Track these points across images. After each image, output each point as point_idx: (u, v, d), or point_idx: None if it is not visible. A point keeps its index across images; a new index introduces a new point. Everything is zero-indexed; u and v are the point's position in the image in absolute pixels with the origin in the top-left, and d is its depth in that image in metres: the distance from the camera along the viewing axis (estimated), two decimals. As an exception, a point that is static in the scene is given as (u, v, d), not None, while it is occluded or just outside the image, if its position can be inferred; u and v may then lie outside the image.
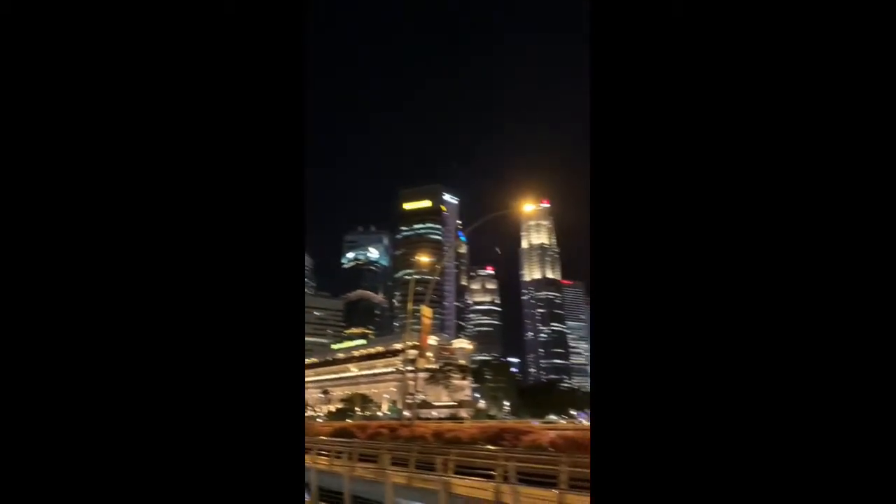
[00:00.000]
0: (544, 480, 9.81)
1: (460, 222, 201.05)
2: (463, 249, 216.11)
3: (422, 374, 52.84)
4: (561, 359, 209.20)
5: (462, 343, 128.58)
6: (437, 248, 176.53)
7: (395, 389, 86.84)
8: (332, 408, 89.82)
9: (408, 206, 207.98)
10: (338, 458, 17.76)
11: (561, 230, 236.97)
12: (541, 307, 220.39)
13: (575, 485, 9.27)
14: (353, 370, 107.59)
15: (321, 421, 60.52)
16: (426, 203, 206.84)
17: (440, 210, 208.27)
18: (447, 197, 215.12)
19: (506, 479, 10.29)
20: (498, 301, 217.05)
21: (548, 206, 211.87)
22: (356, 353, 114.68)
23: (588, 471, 9.63)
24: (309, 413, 79.51)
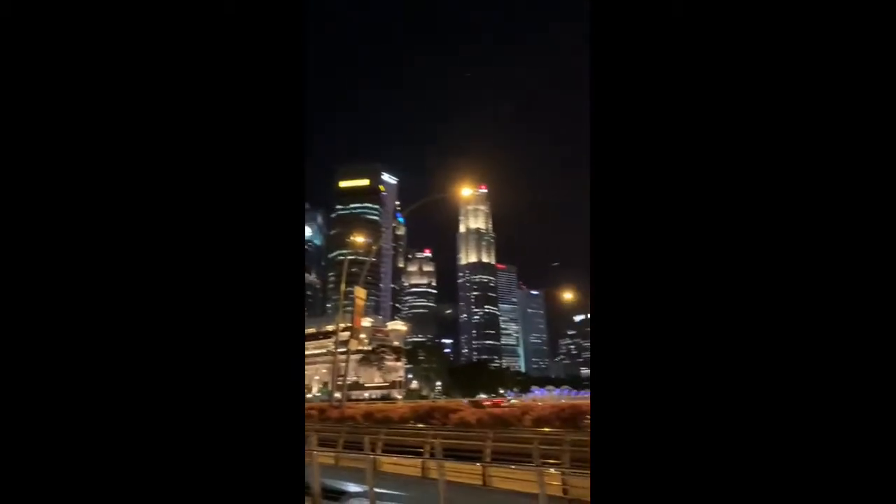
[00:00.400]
0: (470, 455, 10.22)
1: (399, 203, 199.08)
2: (401, 231, 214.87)
3: (354, 356, 52.41)
4: (492, 339, 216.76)
5: (397, 325, 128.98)
6: (374, 228, 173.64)
7: (326, 371, 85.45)
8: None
9: (344, 184, 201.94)
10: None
11: (496, 215, 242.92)
12: (475, 290, 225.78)
13: (497, 458, 9.75)
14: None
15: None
16: (364, 182, 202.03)
17: (378, 189, 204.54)
18: (386, 177, 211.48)
19: (432, 455, 10.58)
20: (434, 283, 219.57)
21: (485, 191, 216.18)
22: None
23: (508, 445, 10.27)
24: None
